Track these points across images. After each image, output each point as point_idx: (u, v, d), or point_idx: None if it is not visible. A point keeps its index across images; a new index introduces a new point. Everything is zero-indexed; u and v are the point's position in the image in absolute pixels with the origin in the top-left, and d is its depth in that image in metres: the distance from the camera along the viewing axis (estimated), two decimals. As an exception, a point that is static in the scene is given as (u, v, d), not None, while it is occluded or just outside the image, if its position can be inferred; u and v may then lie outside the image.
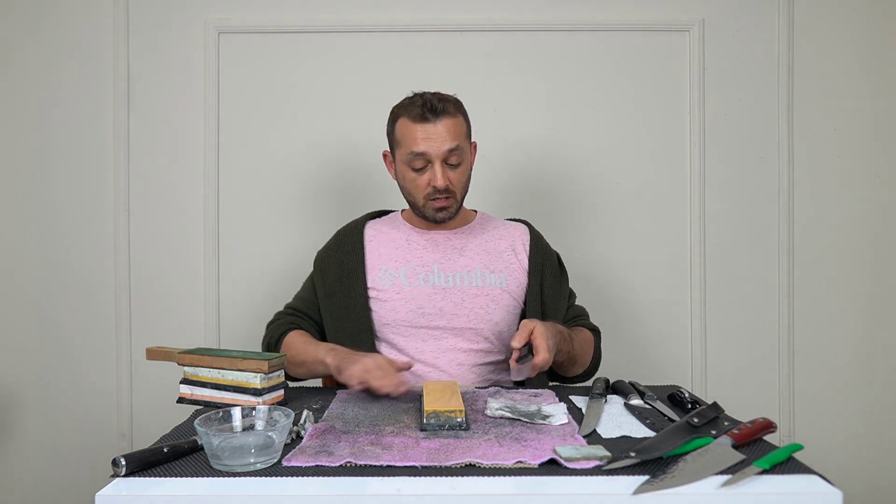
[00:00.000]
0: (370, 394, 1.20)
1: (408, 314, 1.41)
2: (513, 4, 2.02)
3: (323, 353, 1.30)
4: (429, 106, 1.37)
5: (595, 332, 1.53)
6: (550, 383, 1.48)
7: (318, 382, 1.59)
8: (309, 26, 2.00)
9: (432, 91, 1.43)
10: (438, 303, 1.42)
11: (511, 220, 1.62)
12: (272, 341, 1.45)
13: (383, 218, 1.58)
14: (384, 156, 1.52)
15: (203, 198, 2.01)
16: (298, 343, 1.40)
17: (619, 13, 2.02)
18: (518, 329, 1.23)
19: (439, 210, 1.42)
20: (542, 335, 1.21)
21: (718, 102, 2.03)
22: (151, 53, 2.01)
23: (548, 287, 1.50)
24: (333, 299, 1.46)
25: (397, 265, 1.45)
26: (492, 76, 2.01)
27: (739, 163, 2.04)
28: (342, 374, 1.23)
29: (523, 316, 1.49)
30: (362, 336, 1.42)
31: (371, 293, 1.45)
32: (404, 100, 1.44)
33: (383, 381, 1.16)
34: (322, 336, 1.49)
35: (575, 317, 1.53)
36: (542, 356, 1.20)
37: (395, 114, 1.44)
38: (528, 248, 1.51)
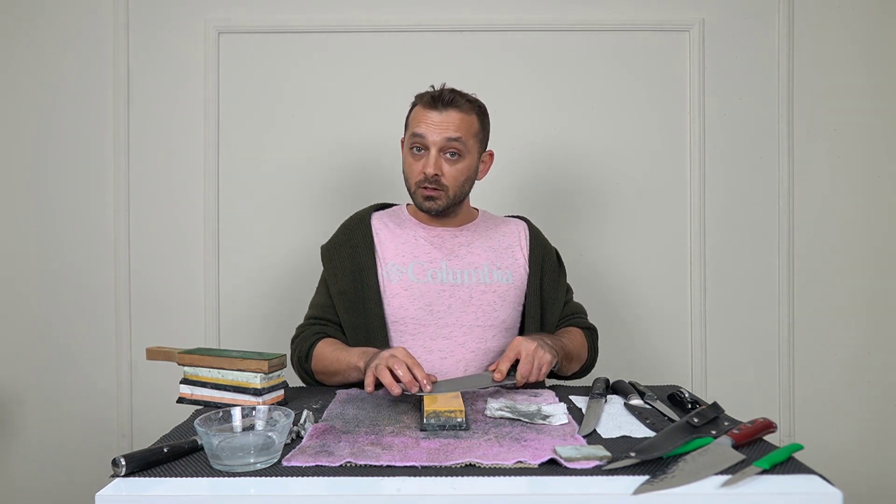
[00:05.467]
0: (409, 399, 1.17)
1: (416, 311, 1.40)
2: (513, 4, 2.02)
3: (355, 359, 1.27)
4: (439, 96, 1.39)
5: (590, 329, 1.53)
6: (549, 383, 1.48)
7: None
8: (309, 26, 2.00)
9: (456, 88, 1.43)
10: (447, 300, 1.41)
11: (509, 216, 1.62)
12: (302, 356, 1.40)
13: (387, 211, 1.56)
14: (401, 143, 1.50)
15: (203, 198, 2.01)
16: (329, 353, 1.36)
17: (619, 13, 2.02)
18: (505, 353, 1.23)
19: (426, 199, 1.41)
20: (528, 358, 1.21)
21: (718, 102, 2.03)
22: (151, 53, 2.01)
23: (547, 282, 1.51)
24: (347, 296, 1.44)
25: (405, 261, 1.44)
26: (492, 76, 2.01)
27: (739, 163, 2.04)
28: (368, 367, 1.18)
29: (524, 311, 1.49)
30: (377, 333, 1.40)
31: (380, 288, 1.43)
32: (424, 90, 1.46)
33: (405, 374, 1.12)
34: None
35: (571, 314, 1.53)
36: (524, 374, 1.20)
37: (414, 100, 1.46)
38: (527, 244, 1.52)
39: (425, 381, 1.12)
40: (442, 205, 1.42)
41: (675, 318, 2.05)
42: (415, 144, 1.40)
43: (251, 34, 2.01)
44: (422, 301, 1.41)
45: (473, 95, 1.44)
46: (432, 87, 1.44)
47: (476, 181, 1.48)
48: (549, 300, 1.50)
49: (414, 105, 1.45)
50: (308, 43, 2.01)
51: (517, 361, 1.22)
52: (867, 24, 2.03)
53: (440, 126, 1.37)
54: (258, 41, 2.01)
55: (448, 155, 1.39)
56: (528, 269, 1.49)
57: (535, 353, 1.21)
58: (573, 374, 1.49)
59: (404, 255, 1.45)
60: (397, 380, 1.13)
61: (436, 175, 1.38)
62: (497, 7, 2.02)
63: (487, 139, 1.48)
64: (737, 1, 2.03)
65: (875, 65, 2.04)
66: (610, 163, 2.04)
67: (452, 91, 1.41)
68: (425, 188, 1.40)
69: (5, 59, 2.00)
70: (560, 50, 2.03)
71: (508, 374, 1.21)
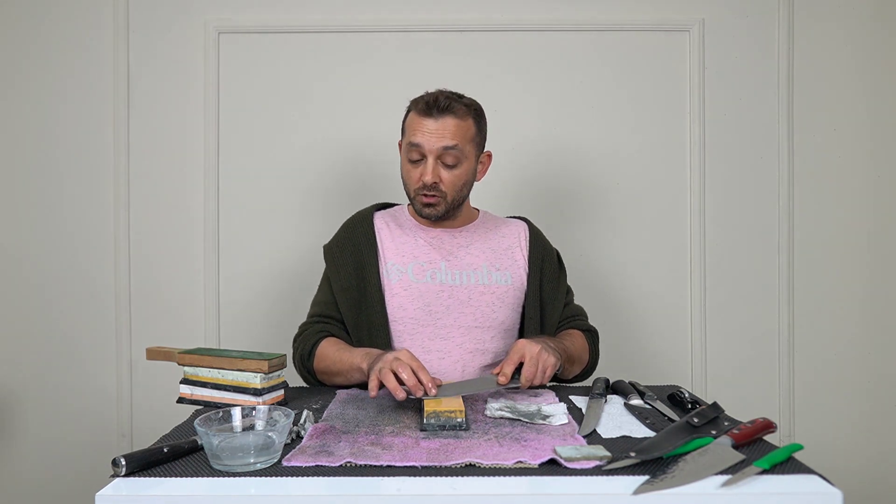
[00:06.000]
0: (386, 394, 1.17)
1: (416, 311, 1.40)
2: (513, 4, 2.02)
3: (358, 360, 1.26)
4: (434, 102, 1.37)
5: (591, 332, 1.52)
6: (550, 383, 1.48)
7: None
8: (309, 26, 2.00)
9: (454, 90, 1.42)
10: (446, 300, 1.41)
11: (510, 217, 1.62)
12: (305, 354, 1.39)
13: (389, 210, 1.56)
14: (399, 145, 1.49)
15: (203, 198, 2.01)
16: (332, 353, 1.35)
17: (619, 13, 2.02)
18: (509, 355, 1.21)
19: (426, 206, 1.41)
20: (532, 361, 1.19)
21: (718, 102, 2.03)
22: (151, 53, 2.01)
23: (546, 283, 1.50)
24: (350, 293, 1.44)
25: (404, 260, 1.44)
26: (492, 76, 2.01)
27: (739, 163, 2.04)
28: (371, 370, 1.17)
29: (524, 313, 1.49)
30: (379, 330, 1.40)
31: (382, 286, 1.43)
32: (423, 93, 1.44)
33: (410, 378, 1.11)
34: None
35: (571, 316, 1.52)
36: (528, 378, 1.19)
37: (409, 106, 1.44)
38: (528, 245, 1.52)
39: (430, 385, 1.11)
40: (441, 211, 1.42)
41: (675, 319, 2.05)
42: (411, 152, 1.39)
43: (251, 34, 2.01)
44: (420, 301, 1.41)
45: (469, 98, 1.43)
46: (426, 91, 1.42)
47: (475, 182, 1.48)
48: (548, 301, 1.49)
49: (409, 111, 1.43)
50: (308, 43, 2.01)
51: (521, 364, 1.21)
52: (867, 25, 2.03)
53: (436, 134, 1.36)
54: (258, 41, 2.01)
55: (445, 162, 1.39)
56: (527, 270, 1.49)
57: (539, 356, 1.20)
58: (574, 377, 1.48)
59: (404, 256, 1.45)
60: (401, 383, 1.12)
61: (434, 183, 1.38)
62: (497, 7, 2.02)
63: (485, 140, 1.48)
64: (737, 1, 2.03)
65: (875, 65, 2.03)
66: (610, 163, 2.04)
67: (448, 97, 1.39)
68: (424, 195, 1.40)
69: (6, 60, 2.00)
70: (560, 50, 2.03)
71: (512, 377, 1.21)
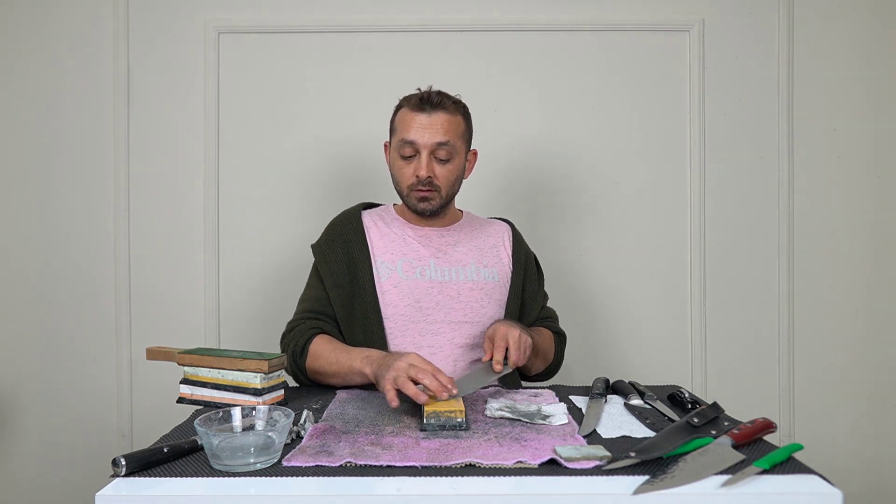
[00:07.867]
0: (405, 398, 1.11)
1: (406, 308, 1.41)
2: (513, 4, 2.02)
3: (359, 364, 1.24)
4: (427, 98, 1.41)
5: (560, 335, 1.55)
6: (546, 385, 1.48)
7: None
8: (309, 26, 2.01)
9: (447, 92, 1.45)
10: (435, 297, 1.42)
11: (493, 218, 1.65)
12: (297, 351, 1.36)
13: (375, 209, 1.58)
14: (385, 146, 1.53)
15: (203, 198, 2.01)
16: (328, 352, 1.32)
17: (619, 13, 2.02)
18: (495, 342, 1.25)
19: (421, 200, 1.43)
20: (515, 345, 1.25)
21: (718, 102, 2.03)
22: (151, 53, 2.01)
23: (528, 284, 1.54)
24: (342, 290, 1.44)
25: (393, 258, 1.45)
26: (492, 76, 2.01)
27: (739, 163, 2.04)
28: (382, 378, 1.13)
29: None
30: (373, 328, 1.40)
31: (375, 282, 1.44)
32: (411, 92, 1.48)
33: (432, 382, 1.07)
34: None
35: (545, 318, 1.56)
36: (515, 361, 1.25)
37: (399, 104, 1.48)
38: (511, 245, 1.55)
39: (450, 386, 1.08)
40: (436, 205, 1.45)
41: (675, 319, 2.05)
42: (404, 149, 1.42)
43: (251, 34, 2.01)
44: (410, 298, 1.42)
45: (457, 96, 1.47)
46: (419, 89, 1.45)
47: (463, 180, 1.51)
48: (528, 301, 1.53)
49: (399, 107, 1.46)
50: (308, 43, 2.01)
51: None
52: (867, 24, 2.03)
53: (429, 129, 1.39)
54: (258, 41, 2.01)
55: (438, 157, 1.41)
56: (511, 269, 1.52)
57: (520, 339, 1.26)
58: (536, 374, 1.51)
59: (393, 253, 1.46)
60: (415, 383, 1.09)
61: (429, 177, 1.40)
62: (496, 7, 2.02)
63: (472, 138, 1.50)
64: (737, 1, 2.03)
65: (875, 64, 2.03)
66: (610, 163, 2.04)
67: (439, 93, 1.43)
68: (419, 190, 1.42)
69: (6, 60, 2.00)
70: (560, 50, 2.03)
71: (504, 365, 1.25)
